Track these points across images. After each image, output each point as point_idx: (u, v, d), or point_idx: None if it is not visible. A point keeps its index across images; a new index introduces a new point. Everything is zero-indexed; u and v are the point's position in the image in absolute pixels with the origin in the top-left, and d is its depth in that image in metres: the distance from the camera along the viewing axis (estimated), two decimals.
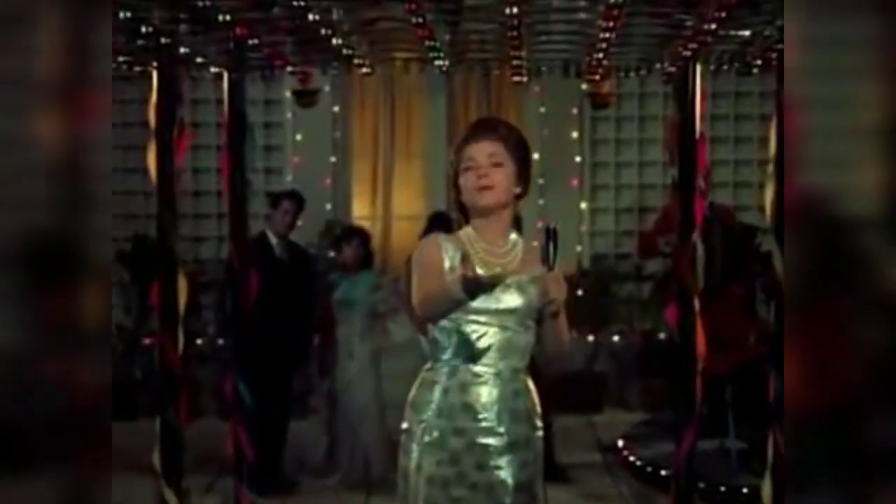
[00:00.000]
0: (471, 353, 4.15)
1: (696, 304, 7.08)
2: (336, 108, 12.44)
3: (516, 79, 7.88)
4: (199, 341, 11.77)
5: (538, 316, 4.17)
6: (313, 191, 11.20)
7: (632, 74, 7.88)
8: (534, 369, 4.40)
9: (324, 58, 7.59)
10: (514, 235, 4.23)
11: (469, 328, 4.14)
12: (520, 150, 4.17)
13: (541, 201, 12.26)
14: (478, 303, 4.06)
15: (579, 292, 11.95)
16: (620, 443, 9.94)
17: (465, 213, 4.22)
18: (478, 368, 4.16)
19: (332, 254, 9.56)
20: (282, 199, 8.93)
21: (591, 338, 12.21)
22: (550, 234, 3.91)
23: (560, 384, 10.53)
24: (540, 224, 11.72)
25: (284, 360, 8.78)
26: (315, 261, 10.31)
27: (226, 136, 7.12)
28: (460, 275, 3.91)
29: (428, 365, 4.27)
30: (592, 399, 11.78)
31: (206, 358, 11.33)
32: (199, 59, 7.06)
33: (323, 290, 9.13)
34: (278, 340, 8.59)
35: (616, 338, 12.29)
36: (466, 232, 4.22)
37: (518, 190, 4.16)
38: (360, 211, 12.25)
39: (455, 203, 4.21)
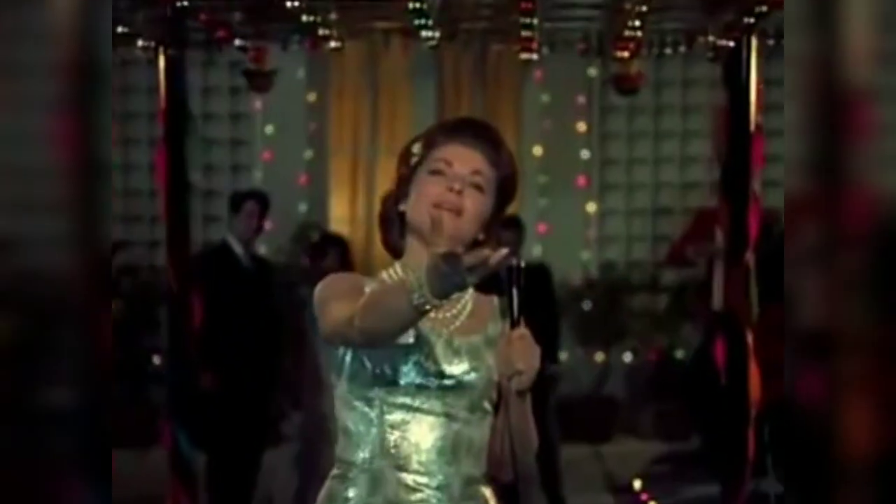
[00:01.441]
0: (401, 453, 2.93)
1: (750, 338, 6.02)
2: (311, 97, 11.71)
3: (524, 56, 6.75)
4: (155, 360, 11.04)
5: (497, 398, 3.01)
6: (286, 190, 10.87)
7: (667, 52, 6.72)
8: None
9: (281, 28, 6.46)
10: None
11: (397, 416, 2.93)
12: (508, 186, 3.08)
13: (542, 202, 11.69)
14: (411, 376, 2.90)
15: (586, 306, 11.51)
16: (637, 484, 9.44)
17: (393, 240, 3.05)
18: (413, 478, 2.93)
19: (306, 262, 9.18)
20: (243, 200, 8.41)
21: (599, 357, 11.73)
22: (514, 276, 2.84)
23: (565, 410, 10.14)
24: (542, 229, 11.48)
25: (252, 387, 8.27)
26: (286, 271, 9.92)
27: (161, 126, 6.36)
28: (431, 258, 2.63)
29: (336, 469, 3.01)
30: (601, 426, 11.14)
31: (163, 378, 10.46)
32: (120, 29, 5.98)
33: (295, 306, 8.57)
34: (244, 365, 8.14)
35: (628, 357, 11.73)
36: (394, 274, 3.04)
37: (481, 237, 3.00)
38: (339, 212, 11.59)
39: (384, 217, 3.06)
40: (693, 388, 9.49)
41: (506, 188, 3.03)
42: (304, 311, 8.04)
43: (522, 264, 2.84)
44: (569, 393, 10.67)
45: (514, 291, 2.81)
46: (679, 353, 11.33)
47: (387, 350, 2.85)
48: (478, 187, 2.95)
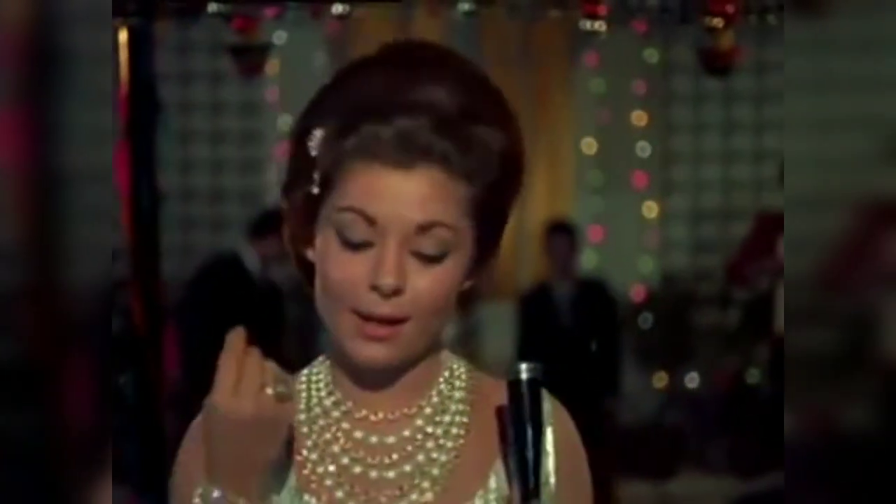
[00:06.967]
0: None
1: None
2: None
3: (590, 25, 5.59)
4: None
5: None
6: None
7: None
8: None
9: None
10: (439, 368, 1.79)
11: None
12: (501, 187, 1.71)
13: (596, 203, 11.55)
14: None
15: (645, 322, 11.38)
16: None
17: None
18: None
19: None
20: (266, 231, 7.47)
21: (659, 381, 11.46)
22: (525, 391, 1.64)
23: (621, 442, 9.90)
24: (595, 234, 11.10)
25: None
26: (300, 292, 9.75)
27: (122, 119, 5.54)
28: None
29: None
30: (664, 461, 10.76)
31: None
32: None
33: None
34: None
35: (693, 381, 11.45)
36: (315, 376, 1.80)
37: (467, 283, 1.74)
38: None
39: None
40: (770, 416, 8.92)
41: (498, 192, 1.67)
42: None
43: (534, 373, 1.63)
44: (626, 423, 10.37)
45: (526, 417, 1.61)
46: (753, 377, 10.90)
47: None
48: (431, 259, 1.64)
